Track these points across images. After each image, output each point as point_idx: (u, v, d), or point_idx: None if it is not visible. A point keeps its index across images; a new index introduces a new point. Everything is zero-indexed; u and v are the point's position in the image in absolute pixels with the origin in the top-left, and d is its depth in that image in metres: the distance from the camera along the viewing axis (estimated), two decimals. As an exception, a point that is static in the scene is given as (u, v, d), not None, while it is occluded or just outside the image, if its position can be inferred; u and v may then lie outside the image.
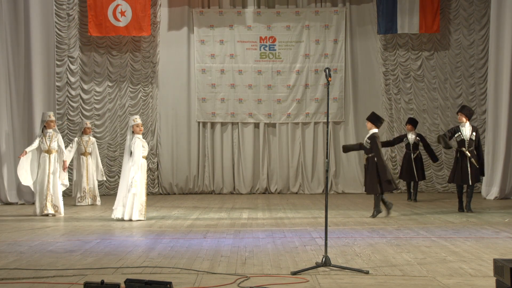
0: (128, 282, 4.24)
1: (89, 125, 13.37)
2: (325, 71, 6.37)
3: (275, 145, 15.87)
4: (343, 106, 15.79)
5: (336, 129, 15.89)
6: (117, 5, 15.10)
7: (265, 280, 5.56)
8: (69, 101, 15.43)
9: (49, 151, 11.13)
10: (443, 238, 7.93)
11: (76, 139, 13.16)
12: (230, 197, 14.77)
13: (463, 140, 10.90)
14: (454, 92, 15.65)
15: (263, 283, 5.40)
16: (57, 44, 15.03)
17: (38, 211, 11.00)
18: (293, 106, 15.77)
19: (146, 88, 15.68)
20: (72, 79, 15.41)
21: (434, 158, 13.35)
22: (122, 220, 10.02)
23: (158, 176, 15.70)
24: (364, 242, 7.65)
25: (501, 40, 13.85)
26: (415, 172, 13.00)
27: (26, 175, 11.16)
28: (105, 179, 13.85)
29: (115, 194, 15.30)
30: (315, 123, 15.83)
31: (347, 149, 11.24)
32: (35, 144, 11.16)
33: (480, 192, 14.13)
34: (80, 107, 15.49)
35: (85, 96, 15.53)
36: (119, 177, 15.40)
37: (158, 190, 15.67)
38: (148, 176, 15.59)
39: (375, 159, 10.15)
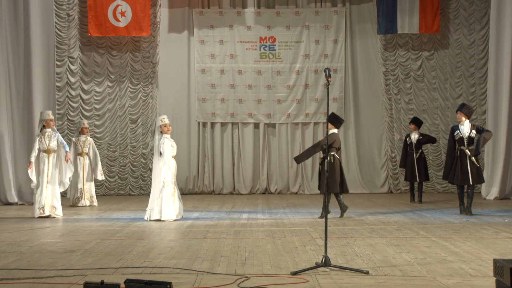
0: (128, 282, 4.24)
1: (86, 125, 13.24)
2: (325, 71, 6.37)
3: (275, 146, 15.87)
4: (343, 106, 15.79)
5: (336, 129, 15.86)
6: (117, 6, 15.10)
7: (265, 280, 5.56)
8: (69, 101, 15.44)
9: (48, 151, 10.91)
10: (443, 238, 7.93)
11: (73, 139, 13.11)
12: (230, 197, 14.77)
13: (461, 139, 10.61)
14: (454, 92, 15.66)
15: (263, 283, 5.40)
16: (57, 44, 15.03)
17: (36, 212, 10.77)
18: (293, 106, 15.78)
19: (146, 88, 15.68)
20: (72, 79, 15.41)
21: (432, 139, 13.09)
22: (159, 220, 9.90)
23: (158, 176, 15.68)
24: (364, 242, 7.65)
25: (501, 40, 13.86)
26: (417, 172, 12.81)
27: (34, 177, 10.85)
28: (104, 178, 13.75)
29: (115, 195, 15.42)
30: (315, 123, 15.84)
31: (300, 159, 10.69)
32: (36, 146, 10.87)
33: (480, 192, 14.13)
34: (80, 107, 15.49)
35: (85, 96, 15.53)
36: (119, 177, 15.57)
37: (158, 190, 15.64)
38: (148, 176, 15.63)
39: (332, 158, 10.11)
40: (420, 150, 12.89)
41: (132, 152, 15.64)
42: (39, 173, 10.85)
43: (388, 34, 15.51)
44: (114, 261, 6.53)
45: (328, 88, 6.39)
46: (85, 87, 15.53)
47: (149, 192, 15.28)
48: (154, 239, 8.16)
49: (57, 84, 15.04)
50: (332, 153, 10.11)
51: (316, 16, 15.81)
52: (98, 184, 15.10)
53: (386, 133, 15.76)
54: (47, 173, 10.88)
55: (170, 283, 4.11)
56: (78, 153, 12.92)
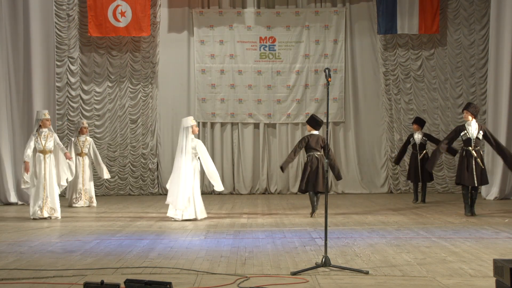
0: (128, 282, 4.24)
1: (86, 125, 13.09)
2: (325, 71, 6.37)
3: (275, 146, 15.87)
4: (343, 106, 15.79)
5: (336, 129, 15.89)
6: (117, 6, 15.10)
7: (265, 280, 5.56)
8: (69, 102, 15.44)
9: (44, 151, 10.67)
10: (443, 239, 7.93)
11: (72, 139, 12.99)
12: (230, 198, 14.77)
13: (469, 139, 10.34)
14: (454, 92, 15.65)
15: (263, 284, 5.40)
16: (57, 44, 15.03)
17: (32, 214, 10.51)
18: (293, 107, 15.78)
19: (146, 89, 15.68)
20: (72, 80, 15.41)
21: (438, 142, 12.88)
22: (195, 220, 10.06)
23: (158, 177, 15.70)
24: (364, 243, 7.65)
25: (501, 40, 13.86)
26: (420, 173, 12.65)
27: (30, 180, 10.63)
28: (110, 177, 13.61)
29: (115, 195, 15.42)
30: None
31: (285, 166, 10.76)
32: (31, 145, 10.61)
33: (480, 193, 14.12)
34: (80, 107, 15.49)
35: (85, 97, 15.53)
36: (119, 177, 15.56)
37: (158, 190, 15.66)
38: (147, 176, 15.65)
39: (319, 157, 10.53)
40: (424, 151, 12.77)
41: (132, 152, 15.64)
42: (35, 174, 10.58)
43: (388, 34, 15.51)
44: (114, 261, 6.54)
45: (328, 88, 6.39)
46: (85, 87, 15.53)
47: (149, 193, 15.47)
48: (154, 239, 8.16)
49: (57, 84, 15.04)
50: (311, 153, 10.56)
51: (316, 16, 15.81)
52: (98, 184, 15.10)
53: (386, 133, 15.76)
54: (44, 174, 10.61)
55: (170, 283, 4.11)
56: (77, 153, 12.77)
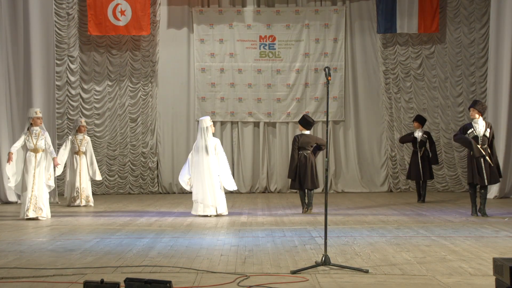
0: (127, 281, 4.24)
1: (84, 123, 13.01)
2: (324, 70, 6.37)
3: (275, 144, 15.87)
4: (343, 105, 15.79)
5: (336, 128, 15.89)
6: (117, 4, 15.10)
7: (265, 279, 5.56)
8: (69, 100, 15.44)
9: (35, 150, 10.44)
10: (442, 237, 7.93)
11: (70, 137, 12.90)
12: (230, 196, 14.74)
13: (476, 137, 10.09)
14: (454, 91, 15.65)
15: (263, 282, 5.40)
16: (57, 43, 15.02)
17: (22, 214, 10.27)
18: (292, 105, 15.78)
19: (146, 87, 15.68)
20: (72, 78, 15.41)
21: (435, 159, 12.87)
22: (220, 215, 10.41)
23: (158, 175, 15.70)
24: (364, 241, 7.65)
25: (501, 39, 13.86)
26: (421, 171, 12.62)
27: (12, 176, 10.44)
28: (101, 178, 13.49)
29: (114, 193, 15.41)
30: (315, 122, 15.81)
31: (292, 175, 11.13)
32: (21, 141, 10.44)
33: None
34: (80, 106, 15.49)
35: (85, 95, 15.53)
36: (119, 176, 15.55)
37: (157, 189, 15.67)
38: (147, 175, 15.65)
39: (308, 156, 10.95)
40: (424, 148, 12.73)
41: (132, 151, 15.64)
42: (27, 173, 10.34)
43: (387, 33, 15.52)
44: (114, 260, 6.53)
45: (327, 87, 6.39)
46: (85, 86, 15.53)
47: (149, 191, 15.46)
48: (153, 238, 8.16)
49: (57, 83, 15.02)
50: (300, 152, 10.93)
51: (316, 14, 15.80)
52: (98, 183, 15.10)
53: (386, 132, 15.76)
54: (34, 173, 10.38)
55: (170, 282, 4.11)
56: (75, 152, 12.67)
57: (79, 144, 12.73)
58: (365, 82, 15.87)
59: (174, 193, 15.62)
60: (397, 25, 15.33)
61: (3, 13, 13.38)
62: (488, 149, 10.18)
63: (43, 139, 10.52)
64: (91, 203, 12.66)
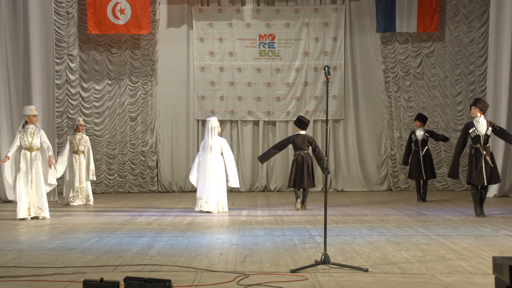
0: (127, 280, 4.24)
1: (82, 123, 12.93)
2: (324, 69, 6.37)
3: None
4: (343, 104, 15.79)
5: (336, 127, 15.89)
6: (116, 3, 15.09)
7: (264, 278, 5.56)
8: (69, 99, 15.43)
9: (30, 149, 10.21)
10: (442, 236, 7.93)
11: (68, 137, 12.86)
12: (229, 195, 14.69)
13: (478, 136, 9.96)
14: (454, 89, 15.65)
15: (262, 281, 5.40)
16: (56, 42, 15.00)
17: (19, 214, 10.07)
18: (292, 104, 15.77)
19: (146, 86, 15.68)
20: (72, 77, 15.40)
21: (445, 138, 12.88)
22: (221, 213, 10.81)
23: (157, 174, 15.70)
24: (363, 240, 7.66)
25: (501, 38, 13.86)
26: (423, 170, 12.53)
27: (9, 175, 10.25)
28: (95, 179, 13.32)
29: (114, 192, 15.40)
30: (314, 121, 15.83)
31: (263, 159, 11.89)
32: (16, 142, 10.21)
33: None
34: (80, 105, 15.48)
35: (84, 94, 15.52)
36: (118, 175, 15.55)
37: (157, 188, 15.67)
38: (147, 174, 15.65)
39: (305, 156, 11.35)
40: (426, 147, 12.64)
41: (132, 150, 15.64)
42: (21, 172, 10.13)
43: (387, 32, 15.52)
44: (113, 259, 6.54)
45: (327, 86, 6.38)
46: (85, 85, 15.52)
47: (149, 190, 15.46)
48: (153, 237, 8.16)
49: (57, 82, 15.00)
50: (297, 152, 11.36)
51: (315, 13, 15.80)
52: (98, 182, 15.11)
53: (386, 131, 15.76)
54: (31, 172, 10.18)
55: (169, 281, 4.11)
56: (73, 151, 12.61)
57: (78, 144, 12.67)
58: (364, 81, 15.87)
59: (174, 192, 15.62)
60: (396, 24, 15.33)
61: (2, 12, 13.37)
62: (490, 149, 10.06)
63: (39, 138, 10.31)
64: (91, 202, 12.63)
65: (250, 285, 5.27)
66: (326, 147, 6.44)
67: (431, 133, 12.86)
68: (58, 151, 13.45)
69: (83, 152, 12.71)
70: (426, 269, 5.89)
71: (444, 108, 15.66)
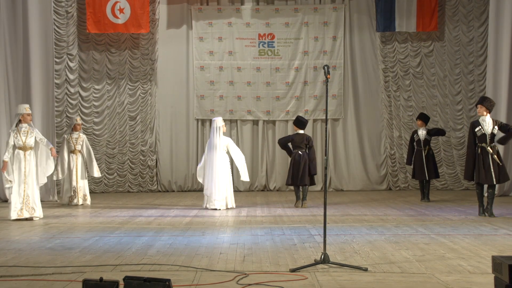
0: (127, 279, 4.24)
1: (79, 122, 12.85)
2: (323, 68, 6.36)
3: (274, 143, 15.83)
4: (342, 103, 15.78)
5: (335, 126, 15.89)
6: (116, 2, 15.08)
7: (264, 277, 5.56)
8: (68, 99, 15.42)
9: (24, 148, 10.05)
10: (441, 235, 7.93)
11: (65, 136, 12.78)
12: (229, 194, 14.74)
13: (484, 135, 9.81)
14: (453, 89, 15.66)
15: (262, 280, 5.40)
16: (56, 41, 14.99)
17: (12, 214, 9.91)
18: (292, 103, 15.77)
19: (145, 86, 15.67)
20: (71, 77, 15.39)
21: (441, 131, 12.85)
22: (227, 209, 11.23)
23: (157, 174, 15.70)
24: (363, 239, 7.66)
25: (500, 37, 13.85)
26: (426, 170, 12.41)
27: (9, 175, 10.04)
28: (100, 175, 13.38)
29: (113, 192, 15.40)
30: (314, 120, 15.84)
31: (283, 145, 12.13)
32: (11, 142, 10.02)
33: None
34: (79, 104, 15.48)
35: (84, 94, 15.51)
36: (118, 174, 15.54)
37: (157, 187, 15.66)
38: (146, 173, 15.65)
39: (302, 154, 11.68)
40: (428, 147, 12.53)
41: (131, 149, 15.63)
42: (17, 171, 9.97)
43: (386, 32, 15.52)
44: (113, 258, 6.54)
45: (326, 85, 6.38)
46: (84, 84, 15.51)
47: (148, 189, 15.46)
48: (153, 236, 8.16)
49: (56, 81, 14.98)
50: (295, 150, 11.69)
51: (315, 12, 15.79)
52: (97, 181, 15.11)
53: (386, 130, 15.76)
54: (24, 171, 10.02)
55: (169, 280, 4.11)
56: (70, 151, 12.49)
57: (75, 143, 12.55)
58: (364, 80, 15.86)
59: (173, 191, 15.62)
60: (396, 24, 15.33)
61: (2, 11, 13.35)
62: (497, 147, 9.94)
63: (33, 137, 10.15)
64: (88, 202, 12.52)
65: (249, 285, 5.27)
66: (326, 146, 6.43)
67: (433, 131, 12.74)
68: (57, 151, 13.39)
69: (80, 151, 12.58)
70: (425, 268, 5.89)
71: (444, 107, 15.66)
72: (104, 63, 15.54)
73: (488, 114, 9.95)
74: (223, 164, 11.34)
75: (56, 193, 13.47)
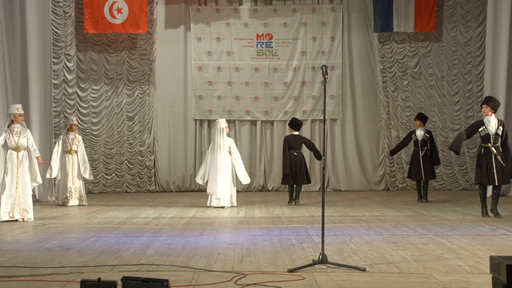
0: (125, 279, 4.23)
1: (75, 122, 12.82)
2: (322, 68, 6.35)
3: (272, 143, 15.88)
4: (340, 104, 15.79)
5: (333, 126, 15.90)
6: (114, 2, 15.08)
7: (262, 277, 5.56)
8: (66, 99, 15.41)
9: (17, 149, 9.91)
10: (439, 236, 7.94)
11: (61, 136, 12.70)
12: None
13: (488, 135, 9.67)
14: (451, 89, 15.67)
15: (260, 281, 5.40)
16: (54, 41, 14.98)
17: (3, 216, 9.78)
18: (290, 104, 15.77)
19: (143, 86, 15.67)
20: (69, 77, 15.39)
21: (436, 160, 12.63)
22: (232, 207, 11.65)
23: (155, 174, 15.70)
24: (361, 240, 7.66)
25: (498, 38, 13.87)
26: (422, 171, 12.37)
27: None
28: (92, 178, 13.34)
29: (111, 192, 15.39)
30: (312, 121, 15.85)
31: (286, 170, 12.16)
32: (1, 140, 9.88)
33: (477, 189, 14.12)
34: (77, 104, 15.47)
35: (81, 94, 15.51)
36: (116, 175, 15.54)
37: (155, 187, 15.66)
38: (144, 174, 15.64)
39: (297, 155, 12.10)
40: (426, 147, 12.45)
41: (129, 150, 15.62)
42: (9, 172, 9.84)
43: (384, 32, 15.54)
44: (111, 258, 6.53)
45: (324, 86, 6.38)
46: (82, 84, 15.51)
47: (146, 190, 15.45)
48: (151, 236, 8.16)
49: (54, 81, 14.99)
50: (291, 151, 12.02)
51: (313, 13, 15.80)
52: (95, 182, 15.10)
53: (384, 130, 15.77)
54: (17, 172, 9.88)
55: (167, 281, 4.11)
56: (66, 151, 12.44)
57: (71, 143, 12.48)
58: (362, 80, 15.88)
59: (171, 191, 15.62)
60: (393, 24, 15.34)
61: (-1, 11, 13.35)
62: (500, 148, 9.73)
63: (25, 137, 10.02)
64: (85, 202, 12.44)
65: (247, 285, 5.27)
66: (324, 147, 6.43)
67: (430, 135, 12.66)
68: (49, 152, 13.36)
69: (76, 152, 12.51)
70: (423, 268, 5.90)
71: (441, 107, 15.68)
72: (102, 63, 15.53)
73: (493, 114, 9.84)
74: (227, 163, 11.73)
75: (53, 194, 13.45)
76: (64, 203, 12.33)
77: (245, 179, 12.01)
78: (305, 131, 15.75)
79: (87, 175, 12.60)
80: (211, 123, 15.79)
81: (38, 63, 13.64)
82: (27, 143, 10.08)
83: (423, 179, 12.51)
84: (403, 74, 15.73)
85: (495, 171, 9.63)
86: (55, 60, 15.07)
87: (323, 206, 6.38)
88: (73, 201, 12.33)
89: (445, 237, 7.78)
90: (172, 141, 15.81)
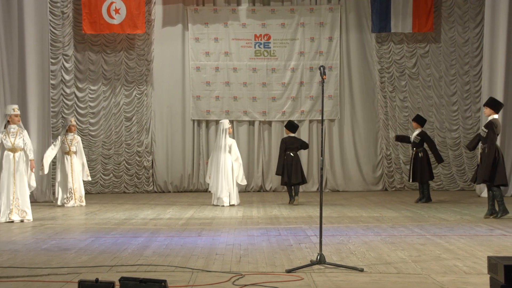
0: (122, 280, 4.23)
1: (74, 123, 12.78)
2: (319, 69, 6.36)
3: (270, 143, 15.87)
4: (338, 104, 15.80)
5: (331, 127, 15.90)
6: (111, 3, 15.07)
7: (260, 278, 5.56)
8: (64, 99, 15.39)
9: (13, 149, 9.85)
10: (437, 236, 7.95)
11: (59, 136, 12.65)
12: (225, 195, 14.73)
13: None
14: (449, 90, 15.69)
15: (258, 281, 5.40)
16: (52, 42, 14.95)
17: (1, 217, 9.75)
18: (288, 104, 15.78)
19: (141, 86, 15.65)
20: (67, 77, 15.37)
21: (439, 159, 12.59)
22: (233, 205, 12.00)
23: (152, 174, 15.68)
24: (359, 240, 7.67)
25: (496, 38, 13.89)
26: (418, 172, 12.27)
27: None
28: (90, 179, 13.30)
29: (109, 193, 15.38)
30: (310, 121, 15.85)
31: (280, 171, 12.61)
32: None
33: (474, 190, 14.16)
34: (75, 105, 15.45)
35: (79, 94, 15.49)
36: (114, 175, 15.53)
37: (152, 188, 15.65)
38: (142, 174, 15.63)
39: (293, 156, 12.40)
40: (420, 149, 12.38)
41: (127, 150, 15.61)
42: (6, 173, 9.79)
43: (382, 33, 15.55)
44: (108, 259, 6.53)
45: (322, 86, 6.39)
46: (80, 85, 15.49)
47: (144, 190, 15.44)
48: (148, 237, 8.16)
49: (52, 82, 14.94)
50: (287, 152, 12.34)
51: (311, 13, 15.80)
52: (93, 182, 15.08)
53: (381, 131, 15.78)
54: (14, 173, 9.83)
55: (164, 281, 4.11)
56: (65, 152, 12.42)
57: (70, 144, 12.46)
58: (360, 80, 15.88)
59: (169, 192, 15.61)
60: (391, 24, 15.35)
61: (-3, 12, 13.32)
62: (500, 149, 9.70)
63: (21, 138, 9.96)
64: (84, 203, 12.43)
65: (245, 285, 5.27)
66: (322, 147, 6.43)
67: (423, 136, 12.50)
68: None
69: (75, 152, 12.51)
70: (421, 269, 5.90)
71: (439, 108, 15.69)
72: (100, 63, 15.52)
73: (496, 116, 9.75)
74: (228, 163, 12.14)
75: (52, 194, 13.44)
76: (63, 204, 12.31)
77: (241, 181, 12.43)
78: (303, 132, 15.76)
79: (84, 177, 12.62)
80: (209, 123, 15.79)
81: (36, 64, 13.61)
82: (24, 144, 10.02)
83: (419, 181, 12.40)
84: (401, 74, 15.74)
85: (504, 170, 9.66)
86: (53, 61, 15.04)
87: (321, 207, 6.39)
88: (73, 202, 12.31)
89: (443, 238, 7.79)
90: (170, 141, 15.80)
